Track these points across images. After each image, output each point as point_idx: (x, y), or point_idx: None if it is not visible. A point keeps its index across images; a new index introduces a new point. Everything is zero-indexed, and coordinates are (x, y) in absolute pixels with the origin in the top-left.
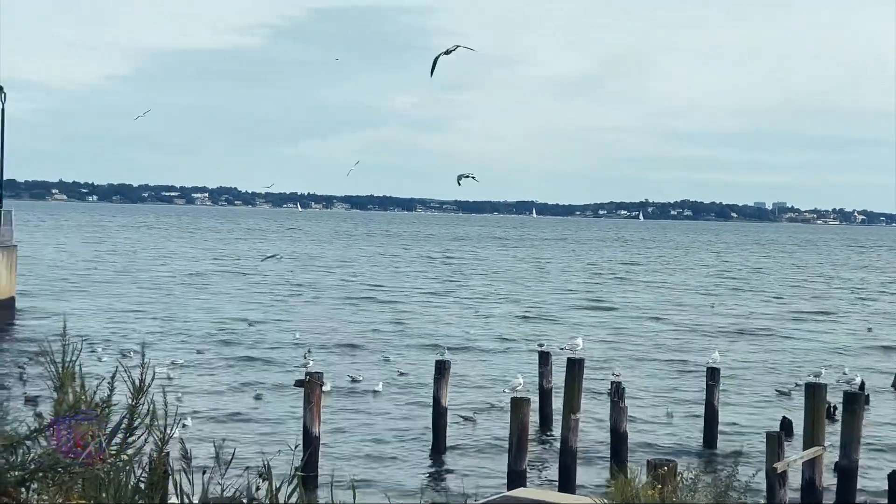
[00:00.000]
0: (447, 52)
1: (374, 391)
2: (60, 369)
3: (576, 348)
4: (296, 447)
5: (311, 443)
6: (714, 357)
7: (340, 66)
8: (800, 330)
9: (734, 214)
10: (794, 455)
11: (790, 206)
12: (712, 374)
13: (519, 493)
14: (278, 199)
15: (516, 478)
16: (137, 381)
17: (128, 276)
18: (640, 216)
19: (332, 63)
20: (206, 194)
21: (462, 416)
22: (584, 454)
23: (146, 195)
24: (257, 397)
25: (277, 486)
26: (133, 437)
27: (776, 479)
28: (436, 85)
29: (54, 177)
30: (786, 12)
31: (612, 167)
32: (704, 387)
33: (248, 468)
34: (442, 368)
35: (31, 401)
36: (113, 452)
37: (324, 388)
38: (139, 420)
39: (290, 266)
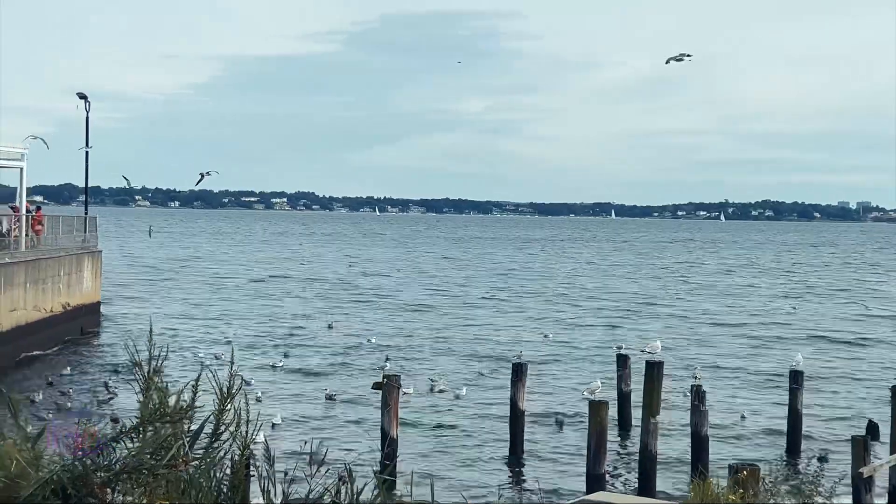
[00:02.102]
0: (678, 59)
1: (456, 395)
2: (145, 374)
3: (655, 351)
4: (377, 451)
5: (389, 445)
6: (797, 360)
7: (412, 71)
8: (885, 334)
9: (817, 214)
10: (881, 460)
11: (875, 206)
12: (795, 377)
13: (598, 496)
14: (355, 204)
15: (595, 481)
16: (225, 387)
17: (209, 281)
18: (721, 217)
19: (403, 69)
20: (285, 199)
21: (557, 420)
22: (663, 458)
23: (226, 200)
24: (329, 398)
25: (359, 488)
26: (219, 442)
27: (862, 485)
28: (509, 89)
29: (137, 183)
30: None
31: (690, 169)
32: (787, 390)
33: (328, 470)
34: (519, 372)
35: (105, 402)
36: (197, 455)
37: (405, 391)
38: (224, 425)
39: (365, 269)
